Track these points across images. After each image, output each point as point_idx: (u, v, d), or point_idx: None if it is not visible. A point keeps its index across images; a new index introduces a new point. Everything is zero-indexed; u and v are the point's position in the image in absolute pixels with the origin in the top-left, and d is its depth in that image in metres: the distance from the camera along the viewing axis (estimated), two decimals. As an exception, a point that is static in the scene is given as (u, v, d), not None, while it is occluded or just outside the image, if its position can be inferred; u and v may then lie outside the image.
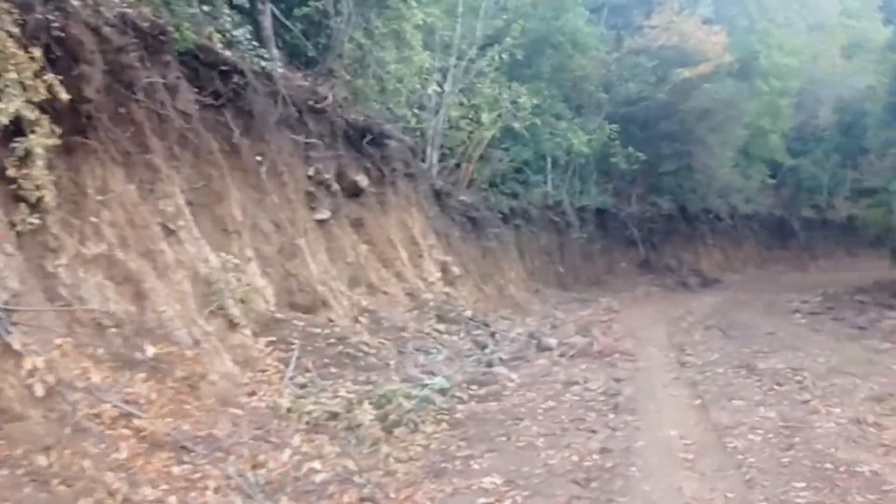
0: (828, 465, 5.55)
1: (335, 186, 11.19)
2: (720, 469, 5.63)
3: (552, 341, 11.23)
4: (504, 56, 16.81)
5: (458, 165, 17.88)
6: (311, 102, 11.21)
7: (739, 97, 25.73)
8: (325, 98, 11.49)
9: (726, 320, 14.83)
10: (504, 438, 6.66)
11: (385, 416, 7.00)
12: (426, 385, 7.88)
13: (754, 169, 32.23)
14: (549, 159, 21.67)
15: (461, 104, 16.30)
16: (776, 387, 8.23)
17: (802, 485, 5.21)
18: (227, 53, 9.99)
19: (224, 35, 10.18)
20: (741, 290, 25.65)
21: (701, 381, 8.76)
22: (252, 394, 7.35)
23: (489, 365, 9.46)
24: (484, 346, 10.53)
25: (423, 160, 16.29)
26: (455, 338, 10.76)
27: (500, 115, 16.59)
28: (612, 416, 7.29)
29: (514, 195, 19.49)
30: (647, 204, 27.84)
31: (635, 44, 22.47)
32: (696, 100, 24.18)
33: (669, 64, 22.79)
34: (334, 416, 7.00)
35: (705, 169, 27.58)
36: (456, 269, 13.97)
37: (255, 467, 5.69)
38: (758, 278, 30.95)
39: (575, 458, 5.96)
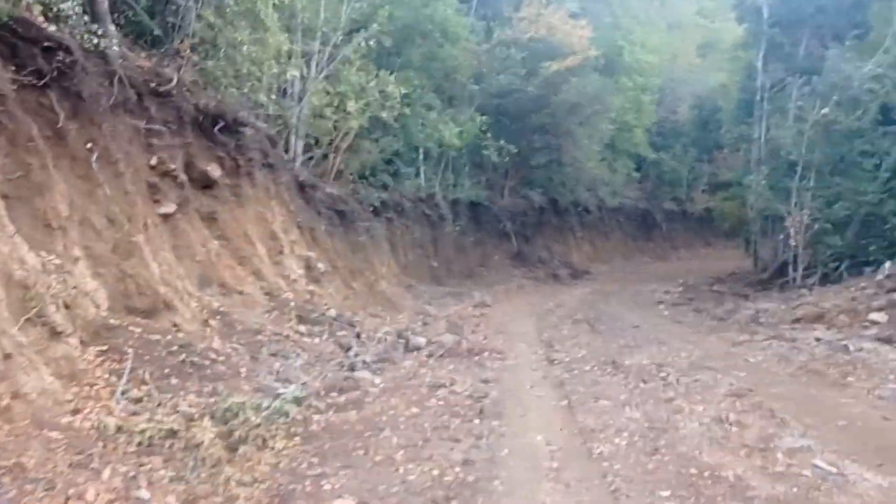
0: (692, 471, 5.35)
1: (183, 177, 10.16)
2: (585, 479, 5.34)
3: (421, 340, 10.75)
4: (371, 43, 16.14)
5: (325, 156, 17.08)
6: (153, 85, 10.12)
7: (606, 92, 26.24)
8: (171, 81, 10.41)
9: (594, 313, 14.91)
10: (361, 452, 6.08)
11: (229, 433, 6.25)
12: (279, 395, 7.16)
13: (620, 163, 33.21)
14: (420, 151, 21.22)
15: (326, 92, 15.49)
16: (642, 384, 8.12)
17: (667, 493, 5.00)
18: (52, 28, 8.81)
19: (49, 8, 8.98)
20: (609, 280, 26.28)
21: (568, 380, 8.55)
22: (75, 412, 6.39)
23: (352, 369, 8.83)
24: (348, 348, 9.85)
25: (287, 150, 15.41)
26: (317, 340, 10.01)
27: (367, 105, 15.91)
28: (477, 421, 6.87)
29: (386, 187, 18.89)
30: (519, 197, 28.02)
31: (505, 35, 22.38)
32: (565, 93, 24.42)
33: (538, 56, 22.86)
34: (172, 434, 6.17)
35: (574, 162, 28.04)
36: (321, 266, 13.20)
37: (68, 501, 4.85)
38: (624, 268, 31.93)
39: (435, 472, 5.49)
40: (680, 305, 16.01)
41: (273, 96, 13.92)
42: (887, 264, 13.63)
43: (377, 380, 8.40)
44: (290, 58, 13.54)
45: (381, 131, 18.01)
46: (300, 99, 15.29)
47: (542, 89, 23.97)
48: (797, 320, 11.74)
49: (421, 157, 21.51)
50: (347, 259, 15.41)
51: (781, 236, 17.55)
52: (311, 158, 16.73)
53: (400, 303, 16.56)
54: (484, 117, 20.66)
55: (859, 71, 16.01)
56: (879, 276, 13.22)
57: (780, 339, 10.45)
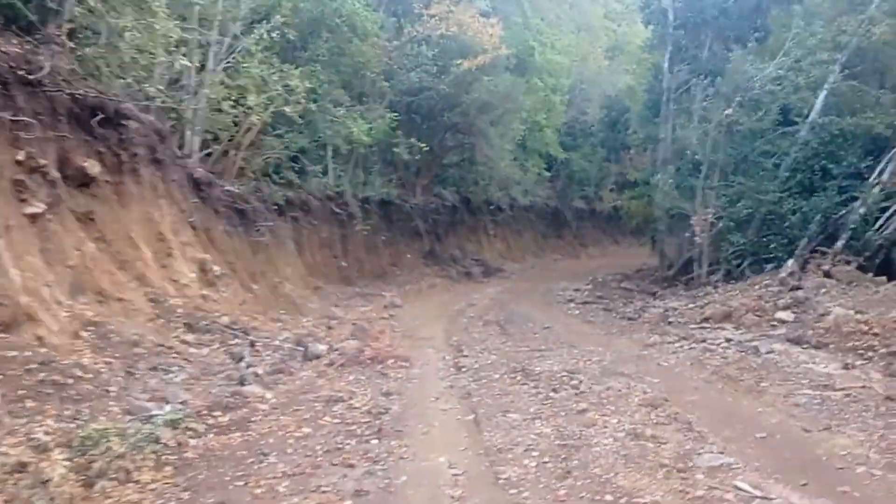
0: (608, 498, 4.91)
1: (55, 174, 9.15)
2: (490, 511, 4.81)
3: (321, 348, 10.08)
4: (274, 35, 15.24)
5: (226, 153, 16.11)
6: (21, 73, 9.09)
7: (517, 91, 26.07)
8: (42, 69, 9.39)
9: (505, 313, 14.58)
10: (241, 483, 5.42)
11: (88, 465, 5.47)
12: (152, 417, 6.40)
13: (531, 162, 33.19)
14: (329, 148, 20.45)
15: (225, 85, 14.54)
16: (553, 394, 7.69)
17: (581, 528, 4.51)
18: None
19: None
20: (521, 278, 26.19)
21: (476, 391, 8.03)
22: None
23: (241, 382, 8.08)
24: (240, 359, 9.07)
25: (182, 146, 14.40)
26: (206, 350, 9.21)
27: (270, 99, 15.04)
28: (374, 441, 6.28)
29: (292, 185, 18.04)
30: (432, 195, 27.58)
31: (415, 32, 21.81)
32: (476, 92, 24.11)
33: (449, 54, 22.43)
34: (20, 467, 5.36)
35: (487, 161, 27.77)
36: (217, 268, 12.33)
37: None
38: (536, 266, 32.00)
39: (323, 507, 4.88)
40: (590, 304, 15.87)
41: (164, 88, 12.96)
42: (790, 262, 13.85)
43: (268, 394, 7.71)
44: (182, 47, 12.60)
45: (286, 127, 17.14)
46: (196, 92, 14.30)
47: (454, 88, 23.55)
48: (706, 319, 11.71)
49: (330, 154, 20.72)
50: (248, 261, 14.55)
51: (687, 234, 17.71)
52: (209, 155, 15.73)
53: (305, 305, 15.82)
54: (394, 114, 20.03)
55: (761, 73, 16.28)
56: (782, 274, 13.42)
57: (690, 340, 10.33)
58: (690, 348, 9.88)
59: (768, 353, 9.14)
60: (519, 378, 8.45)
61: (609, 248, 39.75)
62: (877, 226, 15.07)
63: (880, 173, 15.46)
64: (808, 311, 10.87)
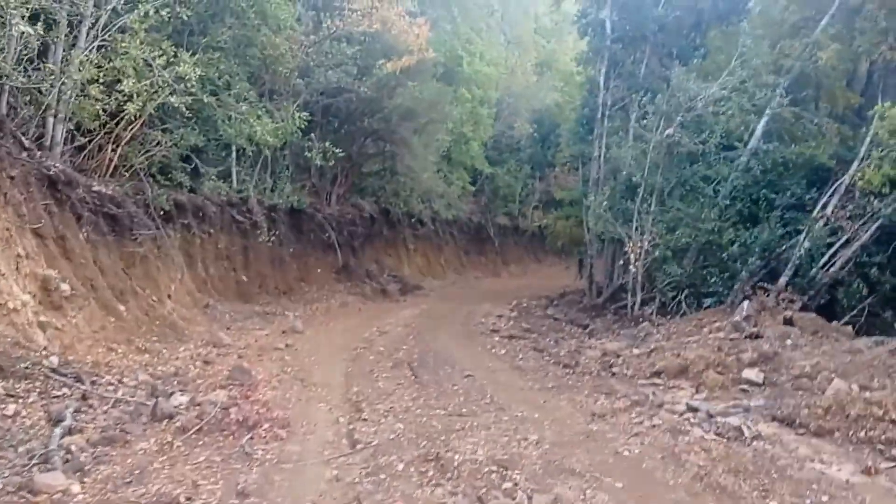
0: None
1: None
2: None
3: (180, 401, 7.74)
4: (164, 13, 12.79)
5: (101, 148, 13.52)
6: None
7: (443, 100, 24.21)
8: None
9: (420, 349, 12.40)
10: None
11: None
12: None
13: (456, 175, 31.42)
14: (233, 149, 18.00)
15: (98, 66, 11.98)
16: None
17: None
18: None
19: None
20: (441, 297, 24.24)
21: (366, 496, 5.69)
22: None
23: (46, 461, 5.72)
24: (59, 421, 6.65)
25: (42, 136, 11.81)
26: (13, 408, 6.74)
27: (153, 87, 12.54)
28: None
29: (182, 187, 15.52)
30: (349, 205, 25.30)
31: (336, 27, 19.57)
32: (400, 98, 22.11)
33: (373, 54, 20.32)
34: None
35: (409, 172, 25.77)
36: (66, 287, 9.78)
37: None
38: (457, 283, 30.18)
39: None
40: (517, 339, 13.84)
41: (19, 65, 10.43)
42: (745, 304, 12.25)
43: (75, 487, 5.36)
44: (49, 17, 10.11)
45: (178, 121, 14.66)
46: (63, 72, 11.70)
47: (376, 91, 21.47)
48: (657, 374, 9.83)
49: (234, 155, 18.28)
50: (116, 276, 11.98)
51: (621, 261, 16.08)
52: (80, 149, 13.14)
53: (189, 329, 13.35)
54: (305, 114, 17.68)
55: (705, 92, 14.83)
56: (736, 317, 11.76)
57: (647, 407, 8.29)
58: (653, 425, 7.76)
59: (756, 439, 7.17)
60: (430, 474, 6.11)
61: (531, 266, 38.34)
62: (821, 263, 13.74)
63: (824, 206, 14.20)
64: (780, 369, 9.13)
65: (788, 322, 11.61)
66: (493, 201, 36.84)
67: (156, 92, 12.59)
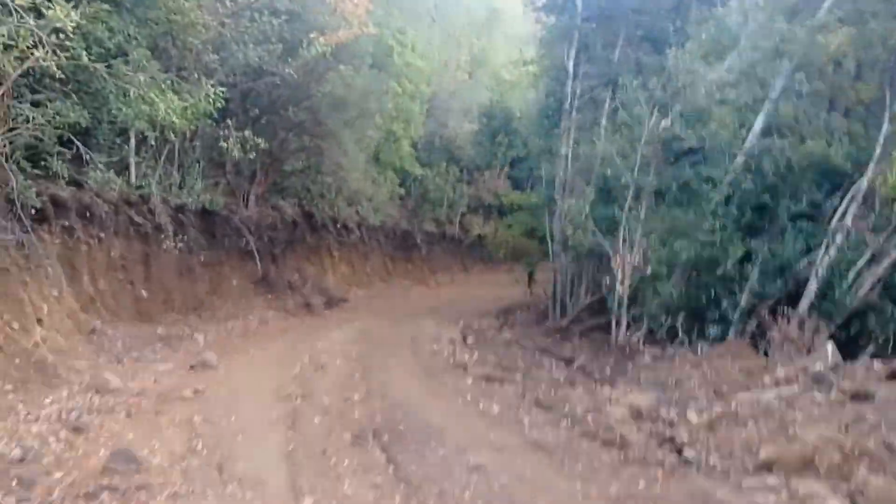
0: None
1: None
2: None
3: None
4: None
5: (-57, 122, 9.75)
6: None
7: (378, 89, 21.09)
8: None
9: (380, 405, 8.90)
10: None
11: None
12: None
13: (385, 176, 28.25)
14: (132, 134, 14.35)
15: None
16: None
17: None
18: None
19: None
20: (371, 312, 21.11)
21: None
22: None
23: None
24: None
25: None
26: None
27: (12, 39, 8.89)
28: None
29: (59, 178, 11.77)
30: (268, 207, 21.74)
31: (257, -6, 16.15)
32: (330, 84, 18.84)
33: (300, 29, 16.98)
34: None
35: (337, 170, 22.50)
36: None
37: None
38: (384, 294, 27.05)
39: None
40: (499, 383, 10.46)
41: None
42: (829, 346, 9.68)
43: None
44: None
45: (54, 93, 10.98)
46: None
47: (303, 76, 18.14)
48: (767, 466, 6.70)
49: (132, 142, 14.62)
50: (-47, 299, 8.34)
51: (606, 278, 13.36)
52: None
53: (64, 366, 9.78)
54: (223, 90, 14.16)
55: (708, 75, 12.38)
56: (817, 367, 9.03)
57: None
58: None
59: None
60: None
61: (459, 276, 35.49)
62: (848, 283, 11.45)
63: (843, 215, 12.00)
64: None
65: (892, 376, 8.81)
66: (420, 206, 33.84)
67: (15, 45, 8.93)
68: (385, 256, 31.47)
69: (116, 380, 9.54)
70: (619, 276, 12.57)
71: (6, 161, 10.34)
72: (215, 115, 14.57)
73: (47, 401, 8.10)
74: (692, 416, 8.01)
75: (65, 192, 12.13)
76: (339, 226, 26.25)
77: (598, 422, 8.02)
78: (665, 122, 12.32)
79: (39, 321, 10.43)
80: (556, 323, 15.91)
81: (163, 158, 15.78)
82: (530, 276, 20.44)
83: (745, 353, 10.27)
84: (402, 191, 30.56)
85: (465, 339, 14.93)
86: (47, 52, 8.98)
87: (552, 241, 16.53)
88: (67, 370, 9.64)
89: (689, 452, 6.94)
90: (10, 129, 10.33)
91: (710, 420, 7.74)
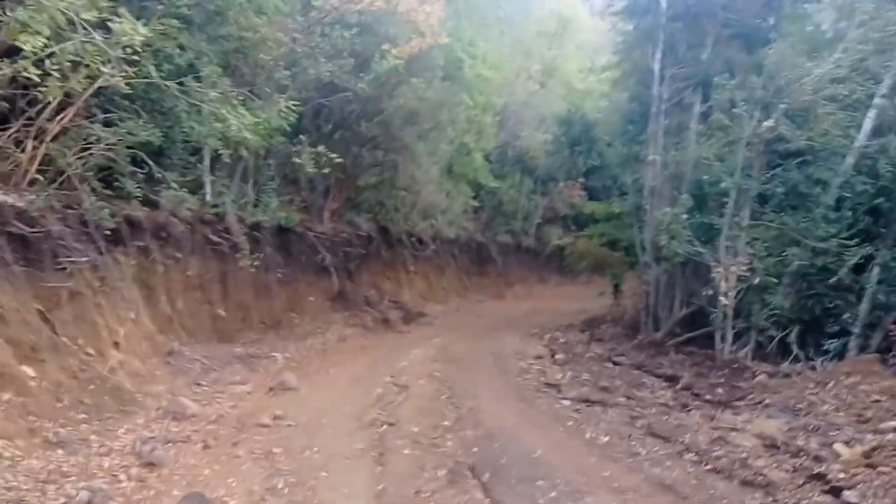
0: None
1: None
2: None
3: None
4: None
5: (19, 144, 9.52)
6: None
7: (450, 101, 20.42)
8: None
9: (474, 434, 7.97)
10: None
11: None
12: None
13: (458, 189, 27.53)
14: (206, 152, 14.07)
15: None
16: None
17: None
18: None
19: None
20: (449, 327, 20.32)
21: None
22: None
23: None
24: None
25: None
26: None
27: (77, 54, 8.54)
28: None
29: (133, 199, 11.48)
30: (343, 223, 21.31)
31: (329, 7, 15.70)
32: (402, 97, 18.27)
33: (372, 42, 16.46)
34: None
35: (411, 184, 21.95)
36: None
37: None
38: (461, 308, 26.21)
39: None
40: (600, 407, 9.39)
41: None
42: None
43: None
44: None
45: (124, 111, 10.70)
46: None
47: (376, 90, 17.61)
48: None
49: (206, 160, 14.34)
50: (24, 326, 7.96)
51: (710, 290, 12.03)
52: (-15, 145, 9.15)
53: (141, 391, 9.36)
54: (297, 104, 13.67)
55: (814, 71, 11.04)
56: None
57: None
58: None
59: None
60: None
61: (535, 287, 34.37)
62: None
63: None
64: None
65: None
66: (494, 218, 32.97)
67: (82, 60, 8.59)
68: (460, 269, 30.73)
69: (194, 405, 9.06)
70: (723, 287, 11.32)
71: (80, 182, 10.08)
72: (288, 129, 14.13)
73: (122, 430, 7.64)
74: (841, 448, 6.81)
75: (139, 213, 11.83)
76: (413, 240, 25.68)
77: (728, 455, 6.89)
78: (768, 123, 11.06)
79: (116, 345, 10.08)
80: (649, 336, 14.66)
81: (237, 176, 15.52)
82: (616, 287, 19.21)
83: (876, 370, 8.94)
84: (476, 203, 29.76)
85: (553, 354, 13.92)
86: (114, 68, 8.58)
87: (643, 250, 15.30)
88: (144, 395, 9.22)
89: (850, 497, 5.77)
90: (83, 150, 10.07)
91: (866, 453, 6.54)
